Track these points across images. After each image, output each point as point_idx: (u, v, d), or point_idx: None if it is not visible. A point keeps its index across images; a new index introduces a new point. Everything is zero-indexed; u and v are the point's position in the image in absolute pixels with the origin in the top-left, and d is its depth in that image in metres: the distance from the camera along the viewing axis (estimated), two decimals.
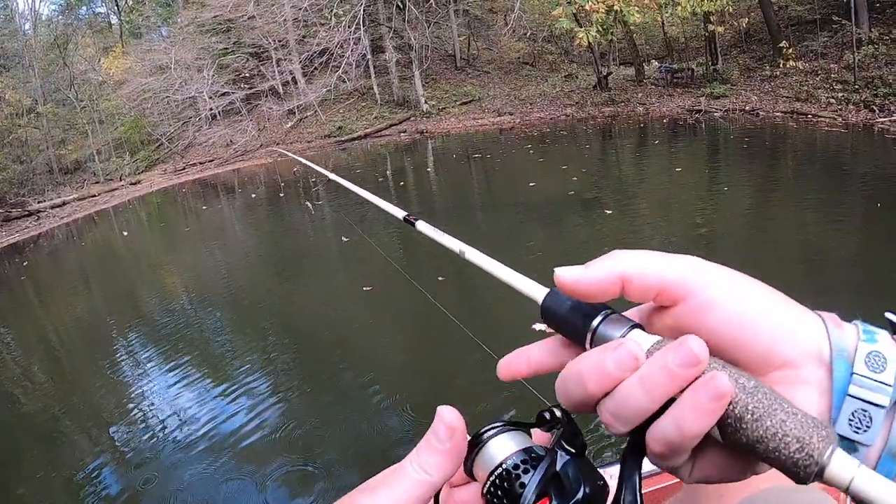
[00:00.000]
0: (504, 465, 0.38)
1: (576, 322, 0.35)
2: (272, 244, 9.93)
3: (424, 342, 5.09)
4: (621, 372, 0.32)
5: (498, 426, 0.41)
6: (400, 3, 20.45)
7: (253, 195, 15.15)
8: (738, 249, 5.91)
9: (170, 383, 5.01)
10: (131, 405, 4.82)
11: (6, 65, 29.37)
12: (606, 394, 0.32)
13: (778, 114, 13.57)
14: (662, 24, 19.53)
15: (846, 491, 0.27)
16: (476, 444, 0.40)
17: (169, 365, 5.45)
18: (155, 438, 4.18)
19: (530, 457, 0.38)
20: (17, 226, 18.51)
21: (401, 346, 5.11)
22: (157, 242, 12.73)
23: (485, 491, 0.38)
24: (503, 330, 4.92)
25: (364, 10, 19.90)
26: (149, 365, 5.66)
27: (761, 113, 13.93)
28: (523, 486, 0.36)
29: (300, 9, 20.42)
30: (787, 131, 12.37)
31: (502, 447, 0.39)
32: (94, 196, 21.23)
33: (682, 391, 0.30)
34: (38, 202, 21.10)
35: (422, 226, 0.73)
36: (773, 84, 15.08)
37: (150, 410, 4.64)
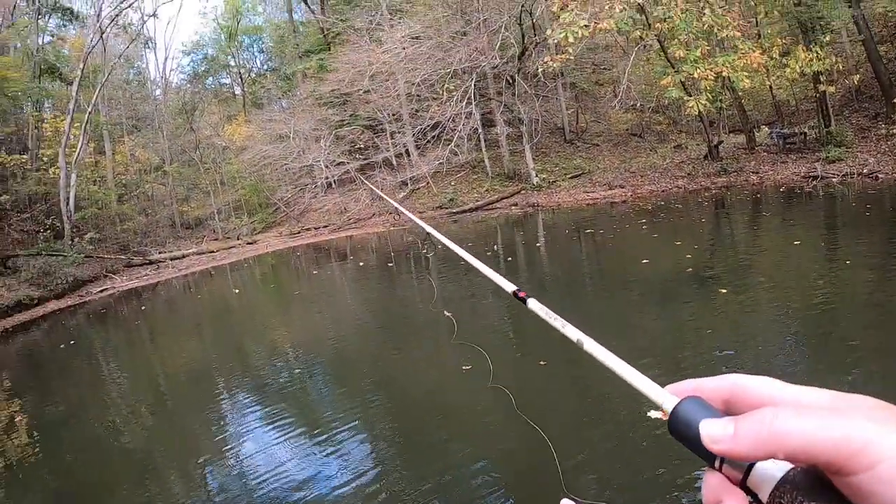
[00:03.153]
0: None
1: (705, 452, 0.38)
2: (379, 312, 10.05)
3: (529, 429, 4.95)
4: None
5: None
6: (509, 78, 21.05)
7: (362, 263, 15.55)
8: (861, 331, 5.46)
9: (267, 436, 5.08)
10: (228, 452, 4.91)
11: (138, 125, 32.54)
12: None
13: None
14: (770, 87, 19.05)
15: None
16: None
17: (268, 418, 5.55)
18: (247, 488, 4.22)
19: None
20: (137, 272, 20.06)
21: (502, 430, 4.84)
22: (268, 301, 13.28)
23: None
24: (609, 418, 4.67)
25: (475, 85, 20.61)
26: (248, 415, 5.81)
27: (880, 176, 13.21)
28: None
29: (414, 84, 21.40)
30: None
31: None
32: (212, 252, 22.64)
33: None
34: (159, 252, 22.81)
35: (533, 304, 0.68)
36: (889, 143, 14.33)
37: (245, 460, 4.71)
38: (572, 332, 0.56)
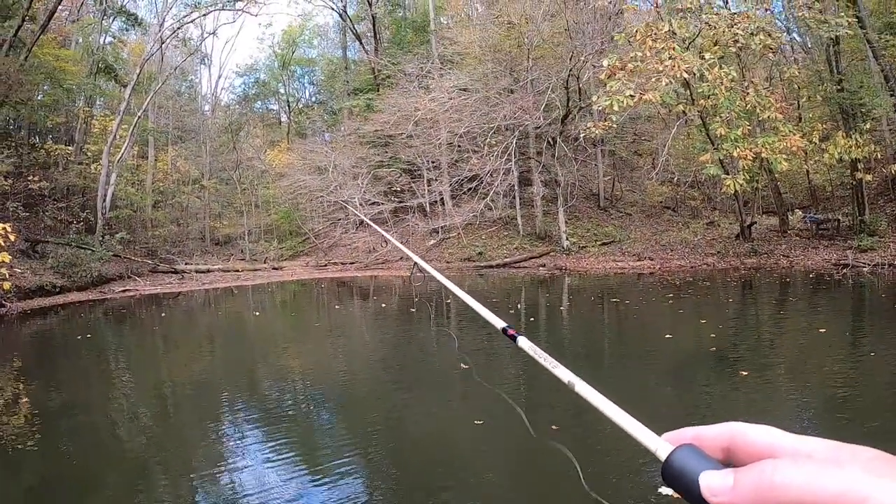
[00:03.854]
0: None
1: (699, 501, 0.36)
2: (393, 355, 9.88)
3: (531, 489, 4.73)
4: None
5: None
6: (551, 140, 21.33)
7: (384, 304, 15.46)
8: (882, 423, 5.20)
9: (263, 458, 5.00)
10: (221, 469, 4.82)
11: (183, 137, 33.51)
12: None
13: None
14: (808, 171, 19.02)
15: None
16: None
17: (265, 440, 5.48)
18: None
19: None
20: (161, 279, 20.22)
21: (505, 488, 4.70)
22: (286, 328, 13.18)
23: None
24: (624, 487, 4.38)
25: (516, 143, 20.90)
26: (247, 434, 5.74)
27: None
28: None
29: (456, 134, 21.81)
30: None
31: None
32: (238, 271, 22.83)
33: None
34: (186, 263, 23.04)
35: (523, 343, 0.66)
36: None
37: (235, 476, 4.63)
38: (563, 374, 0.54)
